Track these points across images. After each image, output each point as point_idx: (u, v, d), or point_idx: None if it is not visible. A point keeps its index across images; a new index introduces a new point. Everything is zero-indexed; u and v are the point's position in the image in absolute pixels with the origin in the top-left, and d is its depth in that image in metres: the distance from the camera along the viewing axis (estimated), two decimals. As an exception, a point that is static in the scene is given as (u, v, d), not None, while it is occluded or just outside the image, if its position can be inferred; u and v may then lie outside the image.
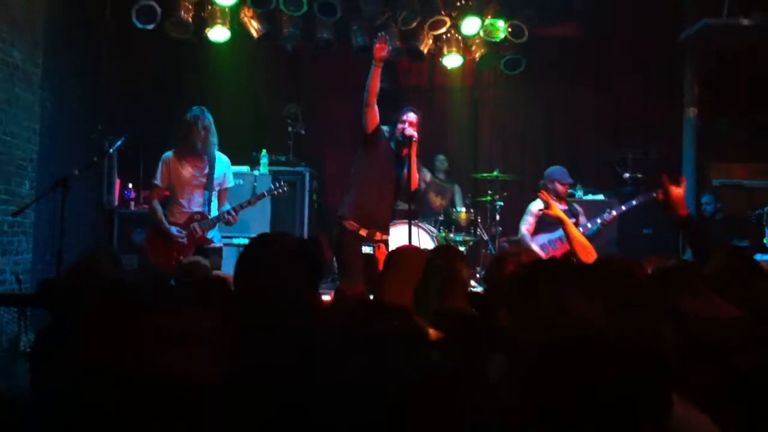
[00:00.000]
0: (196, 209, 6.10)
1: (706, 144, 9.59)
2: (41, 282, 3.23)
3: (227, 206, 6.21)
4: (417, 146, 5.87)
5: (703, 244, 3.92)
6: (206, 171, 6.14)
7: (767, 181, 8.06)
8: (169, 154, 6.17)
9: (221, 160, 6.25)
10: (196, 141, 6.06)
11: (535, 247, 6.85)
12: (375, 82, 5.78)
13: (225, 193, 6.32)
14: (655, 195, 4.51)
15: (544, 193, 6.01)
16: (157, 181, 6.12)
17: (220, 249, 6.25)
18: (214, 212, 6.15)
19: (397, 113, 6.03)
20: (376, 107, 5.84)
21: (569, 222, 5.12)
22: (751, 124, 8.78)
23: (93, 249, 3.19)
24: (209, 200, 6.13)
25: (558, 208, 5.49)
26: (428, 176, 8.92)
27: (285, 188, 6.49)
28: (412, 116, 6.00)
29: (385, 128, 5.99)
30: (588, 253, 4.53)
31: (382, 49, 5.78)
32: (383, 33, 6.04)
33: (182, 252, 5.96)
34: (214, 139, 6.17)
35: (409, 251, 3.60)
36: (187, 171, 6.12)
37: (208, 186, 6.12)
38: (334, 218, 6.03)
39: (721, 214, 8.69)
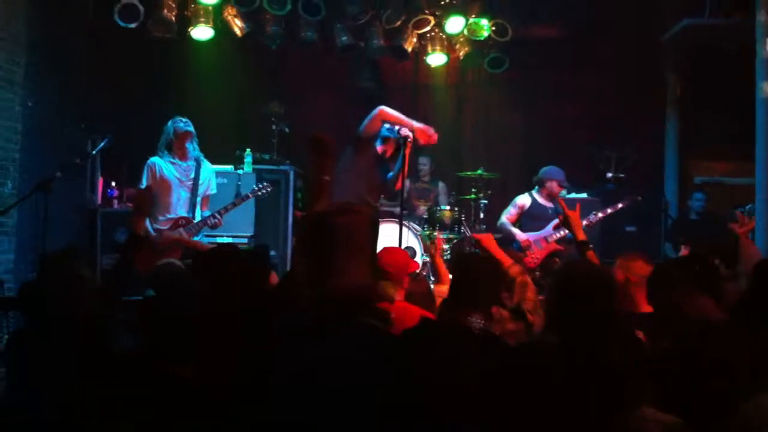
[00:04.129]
0: (181, 214, 6.11)
1: (687, 143, 9.67)
2: (22, 285, 3.22)
3: (207, 212, 6.22)
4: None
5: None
6: (191, 176, 6.15)
7: (749, 178, 8.08)
8: (154, 159, 6.18)
9: (206, 166, 6.27)
10: (181, 147, 6.10)
11: (517, 233, 6.96)
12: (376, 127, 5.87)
13: (207, 200, 6.35)
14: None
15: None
16: (143, 187, 6.11)
17: (208, 251, 6.24)
18: (198, 218, 6.15)
19: None
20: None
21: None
22: (732, 123, 8.83)
23: (60, 252, 3.16)
24: (194, 205, 6.14)
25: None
26: (408, 183, 8.80)
27: (268, 189, 6.54)
28: None
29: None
30: None
31: (426, 137, 5.83)
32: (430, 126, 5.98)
33: (169, 258, 5.93)
34: (197, 145, 6.25)
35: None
36: (173, 176, 6.12)
37: (193, 191, 6.13)
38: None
39: (697, 215, 8.73)
